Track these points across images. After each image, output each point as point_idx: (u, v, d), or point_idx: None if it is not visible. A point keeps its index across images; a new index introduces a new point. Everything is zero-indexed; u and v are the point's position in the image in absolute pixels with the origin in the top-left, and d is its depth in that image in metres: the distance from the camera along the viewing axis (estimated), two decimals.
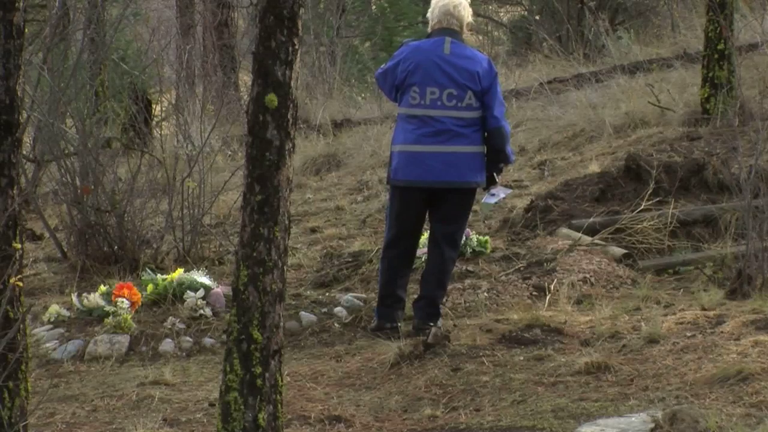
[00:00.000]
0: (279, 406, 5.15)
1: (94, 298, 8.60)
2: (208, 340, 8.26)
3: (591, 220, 9.86)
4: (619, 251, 9.38)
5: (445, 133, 8.00)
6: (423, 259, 9.20)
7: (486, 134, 8.10)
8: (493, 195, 8.36)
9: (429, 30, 8.26)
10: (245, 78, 19.18)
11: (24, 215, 4.97)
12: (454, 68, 8.05)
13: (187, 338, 8.28)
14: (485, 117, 8.08)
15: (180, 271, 8.86)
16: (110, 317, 8.35)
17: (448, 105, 8.01)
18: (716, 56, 12.44)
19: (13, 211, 4.79)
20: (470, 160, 8.06)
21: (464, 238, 9.45)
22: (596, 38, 18.80)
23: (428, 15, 8.30)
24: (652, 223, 9.64)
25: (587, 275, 9.00)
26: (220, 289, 8.76)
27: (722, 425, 5.86)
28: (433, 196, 8.08)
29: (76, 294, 8.84)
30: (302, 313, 8.57)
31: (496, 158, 8.24)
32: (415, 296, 8.30)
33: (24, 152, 9.95)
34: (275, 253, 5.10)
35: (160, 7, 24.29)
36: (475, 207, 8.87)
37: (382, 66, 8.31)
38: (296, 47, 5.10)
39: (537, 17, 23.69)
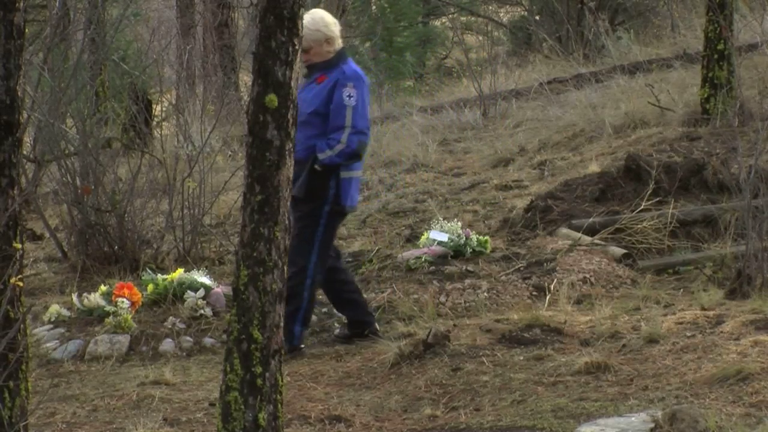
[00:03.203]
0: (279, 406, 5.15)
1: (95, 298, 8.60)
2: (208, 340, 8.26)
3: (591, 220, 9.86)
4: (619, 251, 9.39)
5: None
6: (423, 259, 9.23)
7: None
8: None
9: (335, 47, 7.89)
10: (245, 78, 19.19)
11: (24, 215, 4.98)
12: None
13: (188, 338, 8.29)
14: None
15: (180, 271, 8.87)
16: (110, 317, 8.36)
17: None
18: (716, 56, 12.44)
19: (13, 211, 4.79)
20: None
21: (464, 237, 9.47)
22: (596, 38, 18.81)
23: (331, 31, 7.89)
24: (652, 223, 9.64)
25: (587, 275, 9.00)
26: (220, 289, 8.76)
27: (722, 425, 5.86)
28: None
29: (76, 294, 8.84)
30: None
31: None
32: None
33: (24, 152, 9.94)
34: (275, 253, 5.10)
35: (160, 7, 24.30)
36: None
37: (362, 103, 7.80)
38: (296, 47, 5.11)
39: (537, 17, 23.70)
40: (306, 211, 7.76)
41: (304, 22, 7.87)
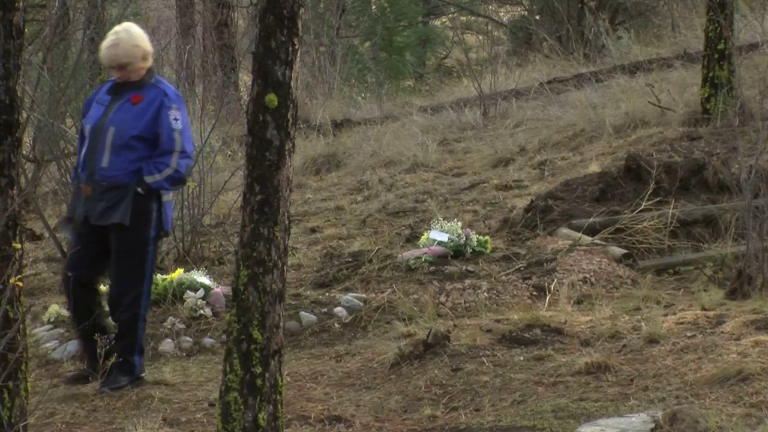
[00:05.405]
0: (279, 406, 5.15)
1: None
2: (208, 340, 8.26)
3: (591, 220, 9.85)
4: (619, 251, 9.38)
5: None
6: (423, 259, 9.22)
7: None
8: None
9: (148, 64, 7.52)
10: (245, 78, 19.20)
11: (24, 215, 4.97)
12: None
13: (187, 338, 8.28)
14: None
15: (180, 271, 8.85)
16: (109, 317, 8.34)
17: None
18: (716, 56, 12.43)
19: (13, 211, 4.79)
20: None
21: (464, 237, 9.45)
22: (596, 38, 18.81)
23: (148, 46, 7.54)
24: (652, 223, 9.63)
25: (587, 275, 8.99)
26: (220, 289, 8.75)
27: (722, 425, 5.85)
28: None
29: None
30: (302, 313, 8.57)
31: None
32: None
33: (24, 152, 9.95)
34: (275, 253, 5.10)
35: (160, 7, 24.31)
36: None
37: (186, 125, 7.47)
38: (296, 47, 5.10)
39: (537, 17, 23.69)
40: (132, 239, 7.36)
41: (120, 37, 7.42)
